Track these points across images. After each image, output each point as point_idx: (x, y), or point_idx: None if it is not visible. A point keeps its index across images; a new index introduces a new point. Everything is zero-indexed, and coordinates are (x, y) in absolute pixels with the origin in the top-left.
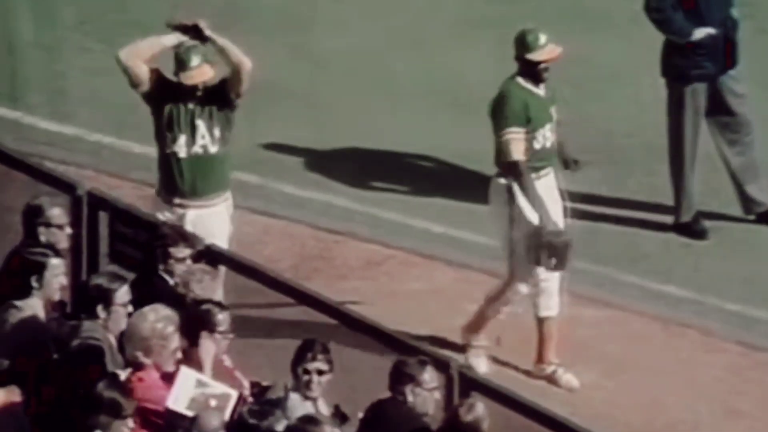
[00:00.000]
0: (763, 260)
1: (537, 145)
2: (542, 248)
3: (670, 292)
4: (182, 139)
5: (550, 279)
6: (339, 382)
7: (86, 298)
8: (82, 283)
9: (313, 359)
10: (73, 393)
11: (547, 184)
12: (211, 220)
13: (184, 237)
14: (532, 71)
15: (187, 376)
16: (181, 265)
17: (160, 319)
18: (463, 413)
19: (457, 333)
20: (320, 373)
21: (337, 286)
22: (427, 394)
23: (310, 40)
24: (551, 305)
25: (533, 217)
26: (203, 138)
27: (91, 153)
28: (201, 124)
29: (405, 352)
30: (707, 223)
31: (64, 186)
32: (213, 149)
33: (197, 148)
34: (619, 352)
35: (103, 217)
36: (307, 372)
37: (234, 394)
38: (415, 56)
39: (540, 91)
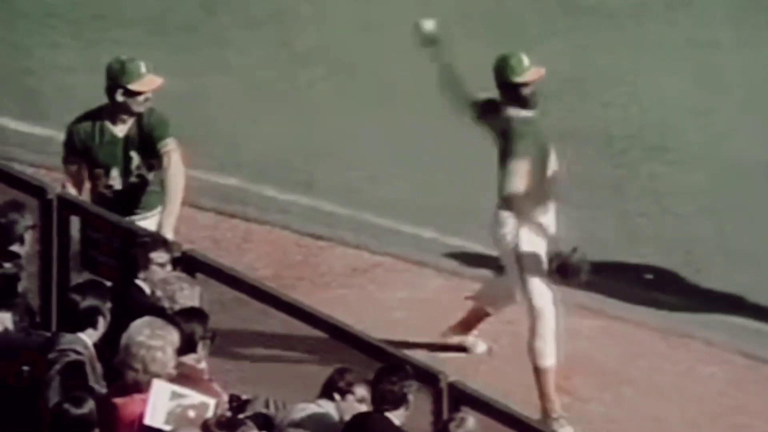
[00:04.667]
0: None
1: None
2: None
3: (671, 302)
4: None
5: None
6: None
7: (77, 314)
8: (68, 300)
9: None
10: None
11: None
12: None
13: (164, 242)
14: (517, 96)
15: (161, 388)
16: (160, 271)
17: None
18: (453, 428)
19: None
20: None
21: (321, 294)
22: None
23: (294, 36)
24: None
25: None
26: None
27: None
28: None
29: (392, 364)
30: None
31: (33, 189)
32: None
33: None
34: (617, 365)
35: (75, 222)
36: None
37: (212, 402)
38: (404, 53)
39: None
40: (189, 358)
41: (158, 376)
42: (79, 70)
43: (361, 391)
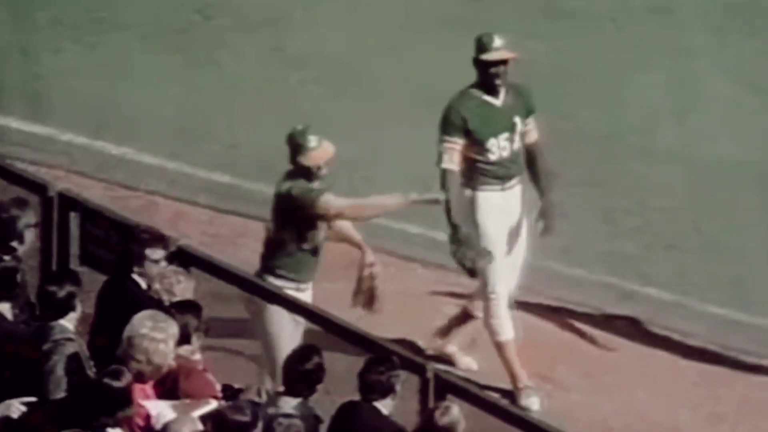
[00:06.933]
0: (746, 263)
1: (491, 156)
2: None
3: (650, 295)
4: None
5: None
6: None
7: (58, 302)
8: (46, 291)
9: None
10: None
11: (508, 196)
12: None
13: (161, 239)
14: (485, 75)
15: (157, 404)
16: (154, 266)
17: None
18: (438, 416)
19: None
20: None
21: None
22: None
23: (288, 40)
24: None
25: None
26: None
27: (62, 153)
28: None
29: (381, 355)
30: None
31: (34, 186)
32: None
33: None
34: (598, 355)
35: (74, 218)
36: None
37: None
38: (390, 56)
39: (495, 100)
40: (184, 349)
41: (160, 367)
42: (79, 74)
43: None
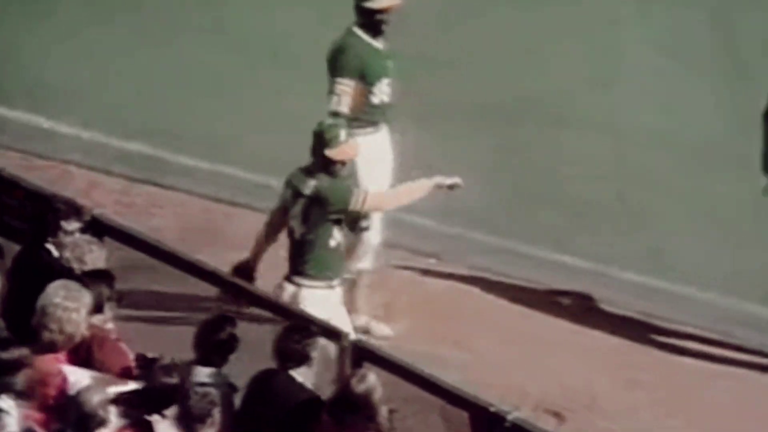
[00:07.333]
0: (666, 231)
1: (375, 100)
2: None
3: (568, 263)
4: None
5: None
6: None
7: None
8: None
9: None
10: None
11: (382, 140)
12: None
13: (77, 210)
14: (370, 21)
15: (76, 372)
16: (68, 237)
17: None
18: (354, 384)
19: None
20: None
21: (227, 257)
22: None
23: (223, 16)
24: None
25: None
26: None
27: None
28: None
29: (298, 323)
30: None
31: None
32: None
33: None
34: (514, 323)
35: None
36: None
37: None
38: (327, 34)
39: (378, 44)
40: (97, 319)
41: (73, 336)
42: (23, 49)
43: None
